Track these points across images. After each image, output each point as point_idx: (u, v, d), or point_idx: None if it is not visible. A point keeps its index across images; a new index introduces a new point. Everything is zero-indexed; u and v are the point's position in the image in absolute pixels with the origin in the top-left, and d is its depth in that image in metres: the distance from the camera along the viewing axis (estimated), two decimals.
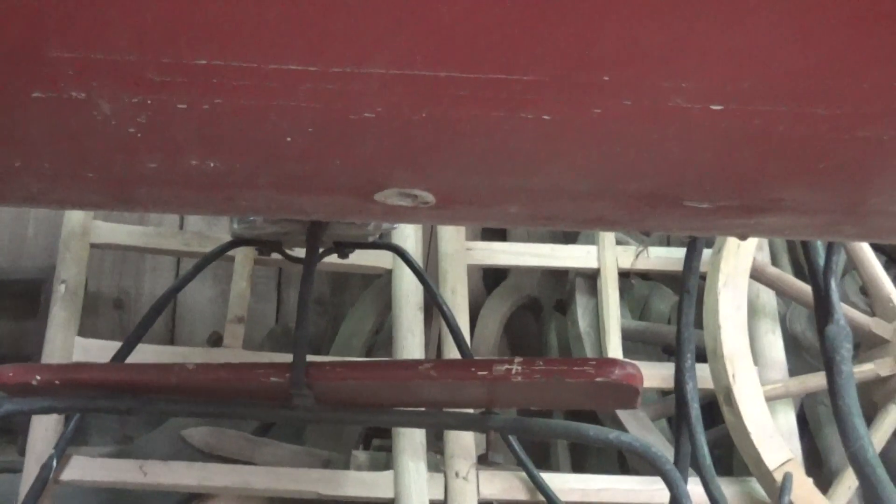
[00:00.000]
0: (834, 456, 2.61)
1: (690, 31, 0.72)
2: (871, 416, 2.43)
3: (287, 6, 0.70)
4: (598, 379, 1.53)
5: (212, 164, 0.87)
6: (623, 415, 2.52)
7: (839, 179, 0.89)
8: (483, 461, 2.16)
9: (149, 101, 0.78)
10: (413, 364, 1.69)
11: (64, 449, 2.23)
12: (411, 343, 2.51)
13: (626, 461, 2.71)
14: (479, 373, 1.59)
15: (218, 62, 0.74)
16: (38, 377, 1.70)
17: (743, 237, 1.33)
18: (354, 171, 0.90)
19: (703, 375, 2.38)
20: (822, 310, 1.85)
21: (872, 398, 2.48)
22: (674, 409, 2.28)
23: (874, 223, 1.02)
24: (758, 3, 0.69)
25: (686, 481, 1.99)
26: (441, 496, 2.31)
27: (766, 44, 0.73)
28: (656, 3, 0.70)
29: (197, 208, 1.37)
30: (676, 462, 2.05)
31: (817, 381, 2.40)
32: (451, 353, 2.41)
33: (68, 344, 2.46)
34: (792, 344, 2.67)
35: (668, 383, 2.38)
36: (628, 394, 1.57)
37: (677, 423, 2.09)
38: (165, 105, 0.79)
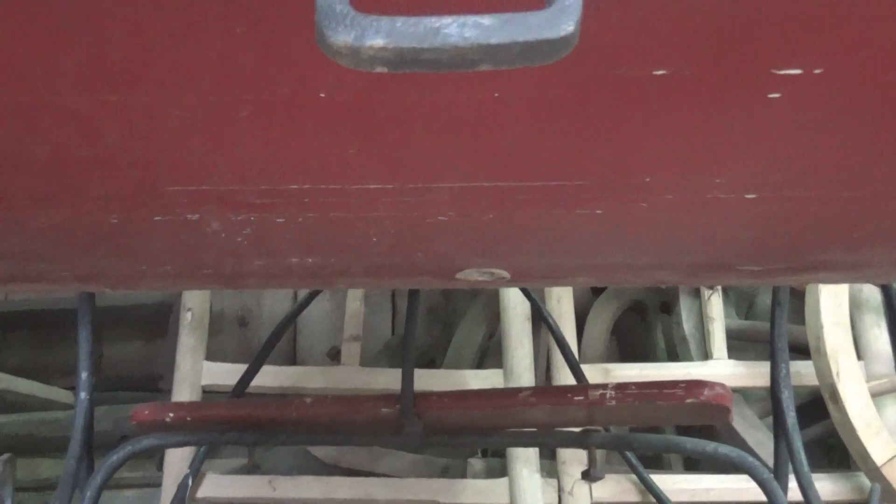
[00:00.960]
0: None
1: (719, 135, 0.80)
2: None
3: (365, 140, 0.80)
4: (688, 400, 1.62)
5: (309, 261, 0.99)
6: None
7: (876, 244, 0.96)
8: (586, 476, 2.25)
9: (251, 219, 0.90)
10: (514, 392, 1.79)
11: (198, 469, 2.37)
12: (520, 354, 2.57)
13: None
14: (576, 398, 1.68)
15: (308, 186, 0.85)
16: (172, 415, 1.85)
17: (800, 287, 1.40)
18: (435, 260, 1.01)
19: (808, 372, 2.42)
20: None
21: None
22: None
23: None
24: (778, 107, 0.77)
25: (786, 490, 2.04)
26: (555, 501, 2.40)
27: (791, 141, 0.80)
28: (686, 115, 0.78)
29: (299, 287, 1.50)
30: (776, 470, 2.09)
31: None
32: (561, 360, 2.49)
33: (197, 369, 2.57)
34: None
35: None
36: (719, 412, 1.65)
37: (775, 432, 2.13)
38: (266, 220, 0.90)
